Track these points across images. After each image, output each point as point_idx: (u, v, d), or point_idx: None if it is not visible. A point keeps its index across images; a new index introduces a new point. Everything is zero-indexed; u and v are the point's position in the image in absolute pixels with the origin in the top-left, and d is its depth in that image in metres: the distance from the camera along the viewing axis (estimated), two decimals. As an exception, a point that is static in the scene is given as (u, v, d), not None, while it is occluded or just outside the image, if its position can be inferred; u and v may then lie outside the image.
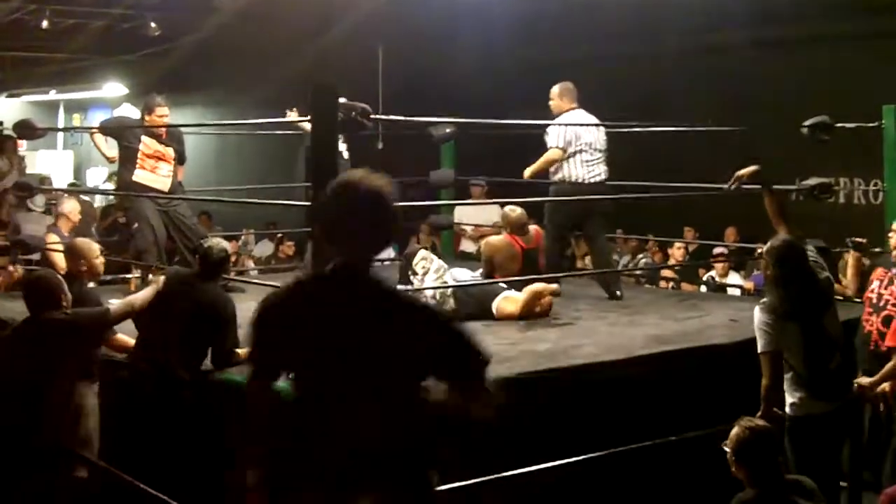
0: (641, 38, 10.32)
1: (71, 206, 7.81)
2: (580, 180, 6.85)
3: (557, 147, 6.84)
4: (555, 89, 7.06)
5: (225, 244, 5.06)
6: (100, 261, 5.33)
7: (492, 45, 10.66)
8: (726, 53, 9.91)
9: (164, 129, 7.20)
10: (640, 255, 10.20)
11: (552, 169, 6.91)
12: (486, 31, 10.07)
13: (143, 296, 4.95)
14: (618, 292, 7.02)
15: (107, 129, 7.63)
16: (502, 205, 7.77)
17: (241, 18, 10.76)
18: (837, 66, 9.48)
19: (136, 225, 7.07)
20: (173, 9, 11.26)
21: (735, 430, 3.80)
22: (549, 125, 6.92)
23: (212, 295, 4.77)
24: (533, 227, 6.85)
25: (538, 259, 6.70)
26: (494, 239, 6.87)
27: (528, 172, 6.96)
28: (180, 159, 7.38)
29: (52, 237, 7.45)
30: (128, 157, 7.15)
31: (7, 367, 4.52)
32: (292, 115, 7.10)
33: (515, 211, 6.83)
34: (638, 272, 9.53)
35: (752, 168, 5.07)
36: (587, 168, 6.87)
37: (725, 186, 5.30)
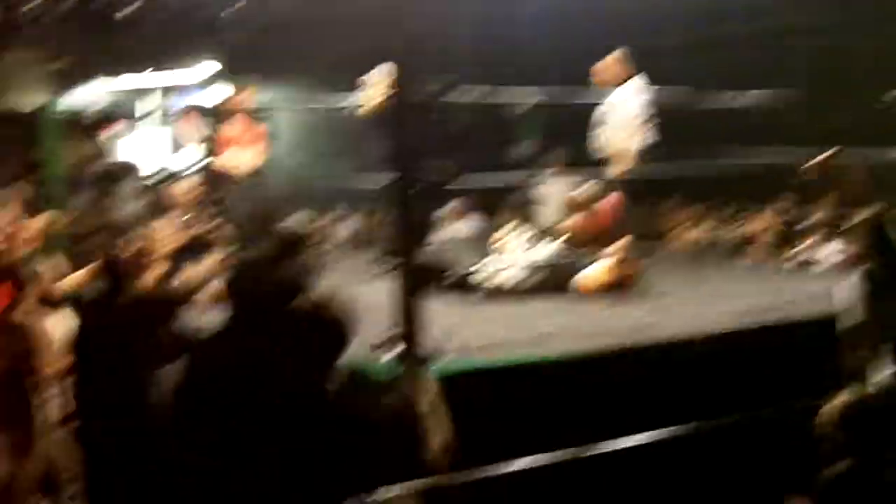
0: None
1: (181, 189, 7.62)
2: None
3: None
4: (611, 58, 6.62)
5: (304, 223, 5.10)
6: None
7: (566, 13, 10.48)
8: (810, 33, 9.72)
9: (251, 111, 7.27)
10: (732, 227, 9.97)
11: None
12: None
13: (204, 267, 5.04)
14: None
15: (195, 110, 7.73)
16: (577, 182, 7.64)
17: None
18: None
19: (220, 207, 7.16)
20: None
21: (841, 399, 3.70)
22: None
23: (290, 276, 4.79)
24: (606, 201, 6.70)
25: (615, 234, 6.56)
26: (570, 222, 6.85)
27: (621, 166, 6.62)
28: (266, 140, 7.44)
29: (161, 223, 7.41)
30: (215, 140, 7.25)
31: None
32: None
33: (585, 192, 6.76)
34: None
35: (830, 152, 4.91)
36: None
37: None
